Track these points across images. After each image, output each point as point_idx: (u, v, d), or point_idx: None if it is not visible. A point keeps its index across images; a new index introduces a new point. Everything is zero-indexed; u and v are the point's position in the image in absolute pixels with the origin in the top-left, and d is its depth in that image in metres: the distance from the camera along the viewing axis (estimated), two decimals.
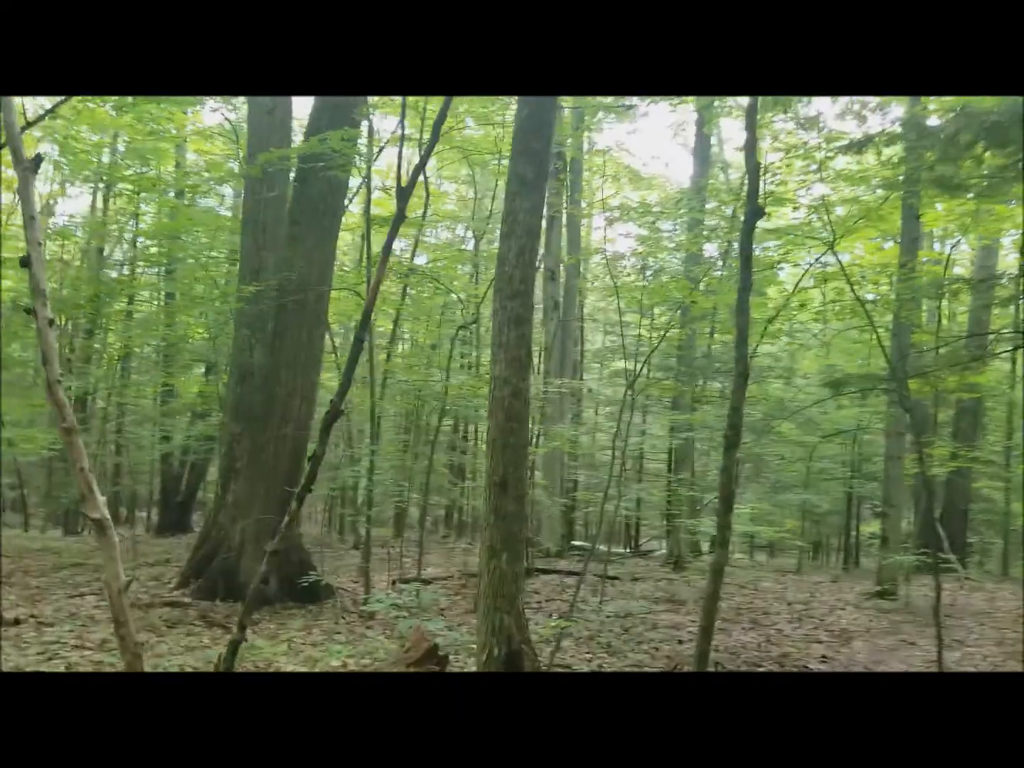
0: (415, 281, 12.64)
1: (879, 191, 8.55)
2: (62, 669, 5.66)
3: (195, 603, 7.91)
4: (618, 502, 9.96)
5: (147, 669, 4.11)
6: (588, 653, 6.90)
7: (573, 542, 18.23)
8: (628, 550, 19.26)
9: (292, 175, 9.33)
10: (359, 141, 8.96)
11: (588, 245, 18.52)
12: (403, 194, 4.23)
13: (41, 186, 20.82)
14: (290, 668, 5.72)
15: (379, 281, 3.97)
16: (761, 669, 6.53)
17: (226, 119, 15.09)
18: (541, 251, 22.24)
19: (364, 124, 9.21)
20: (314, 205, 8.97)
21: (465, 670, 5.58)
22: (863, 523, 18.73)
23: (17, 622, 6.75)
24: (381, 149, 16.02)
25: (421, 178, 13.51)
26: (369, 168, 9.59)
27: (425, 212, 11.74)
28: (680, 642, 7.49)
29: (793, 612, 9.72)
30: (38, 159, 3.07)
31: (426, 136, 11.76)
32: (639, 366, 7.95)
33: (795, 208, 8.47)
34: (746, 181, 5.42)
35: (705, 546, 15.98)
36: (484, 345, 13.15)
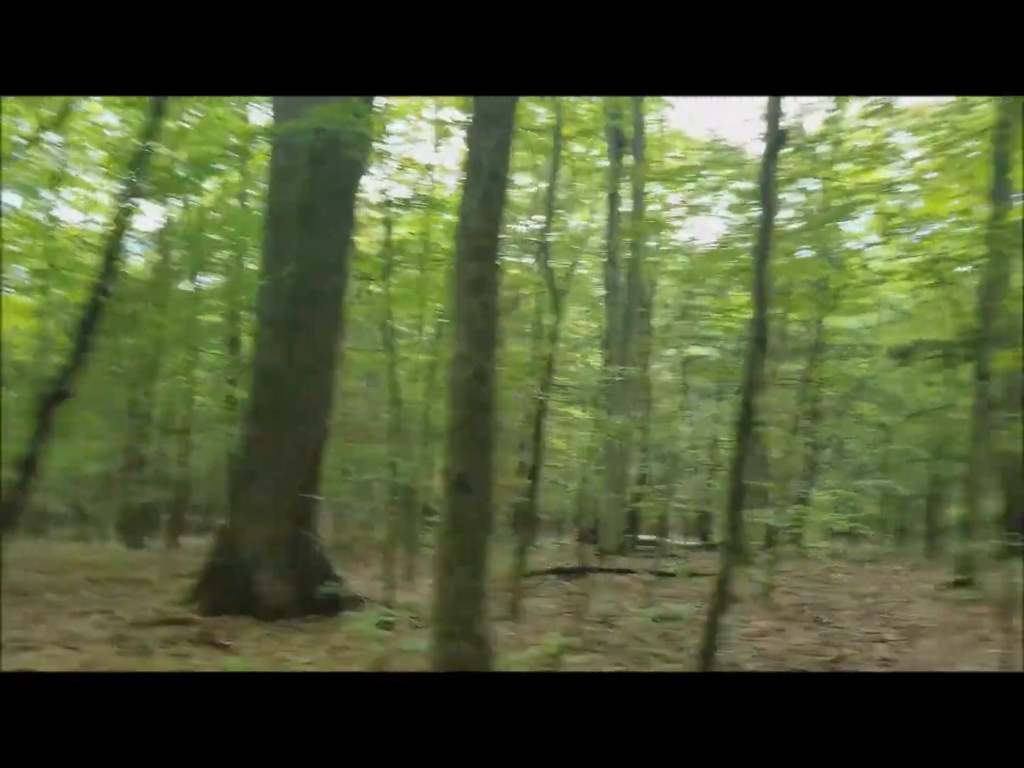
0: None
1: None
2: None
3: (204, 619, 7.38)
4: (669, 495, 9.14)
5: None
6: (613, 666, 6.02)
7: (641, 536, 17.60)
8: (701, 543, 18.70)
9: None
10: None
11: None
12: None
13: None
14: None
15: None
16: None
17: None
18: (586, 225, 21.16)
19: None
20: (327, 186, 8.23)
21: None
22: (950, 507, 17.40)
23: None
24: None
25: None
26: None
27: None
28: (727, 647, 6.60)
29: (862, 607, 8.70)
30: None
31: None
32: (683, 351, 7.03)
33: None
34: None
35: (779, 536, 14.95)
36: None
